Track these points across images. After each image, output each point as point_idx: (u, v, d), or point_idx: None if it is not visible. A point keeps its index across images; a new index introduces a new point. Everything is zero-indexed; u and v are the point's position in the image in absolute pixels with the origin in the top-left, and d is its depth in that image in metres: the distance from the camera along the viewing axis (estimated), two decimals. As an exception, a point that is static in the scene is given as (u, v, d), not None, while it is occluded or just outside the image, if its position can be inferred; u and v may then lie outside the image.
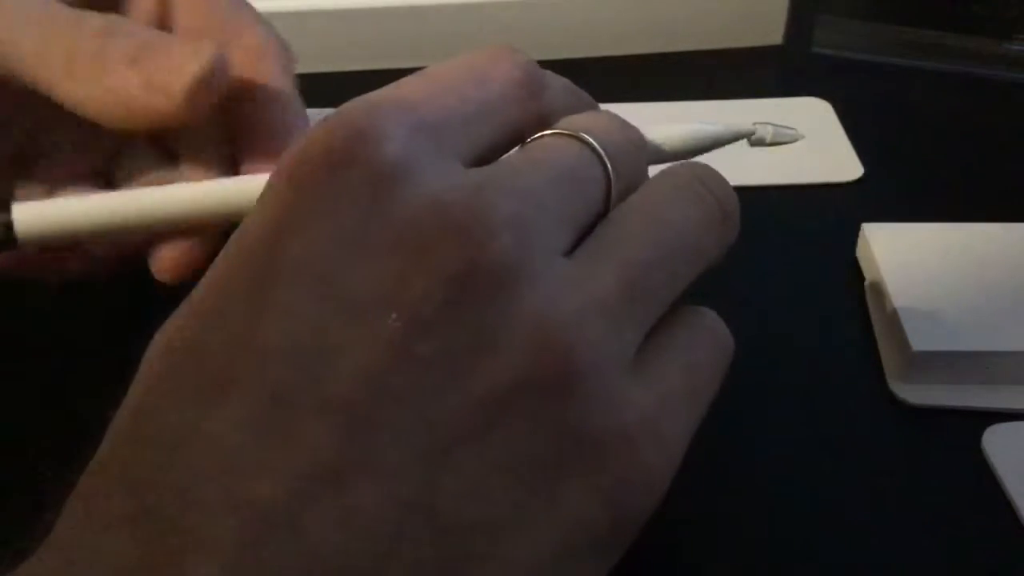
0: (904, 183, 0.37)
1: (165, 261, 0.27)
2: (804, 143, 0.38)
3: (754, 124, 0.38)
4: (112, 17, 0.27)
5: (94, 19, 0.26)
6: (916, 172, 0.38)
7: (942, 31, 0.45)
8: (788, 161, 0.38)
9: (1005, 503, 0.26)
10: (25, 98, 0.26)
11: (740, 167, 0.38)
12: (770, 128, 0.38)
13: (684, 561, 0.25)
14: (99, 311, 0.33)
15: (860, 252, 0.33)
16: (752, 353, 0.31)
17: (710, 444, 0.28)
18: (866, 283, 0.33)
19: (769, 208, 0.37)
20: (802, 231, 0.35)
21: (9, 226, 0.25)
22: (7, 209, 0.25)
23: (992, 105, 0.42)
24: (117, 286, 0.33)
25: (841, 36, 0.46)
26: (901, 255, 0.32)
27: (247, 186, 0.26)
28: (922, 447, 0.28)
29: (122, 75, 0.25)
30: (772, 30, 0.46)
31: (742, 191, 0.37)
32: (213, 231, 0.27)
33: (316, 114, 0.22)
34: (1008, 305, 0.30)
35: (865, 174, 0.38)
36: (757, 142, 0.38)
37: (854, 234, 0.33)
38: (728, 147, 0.37)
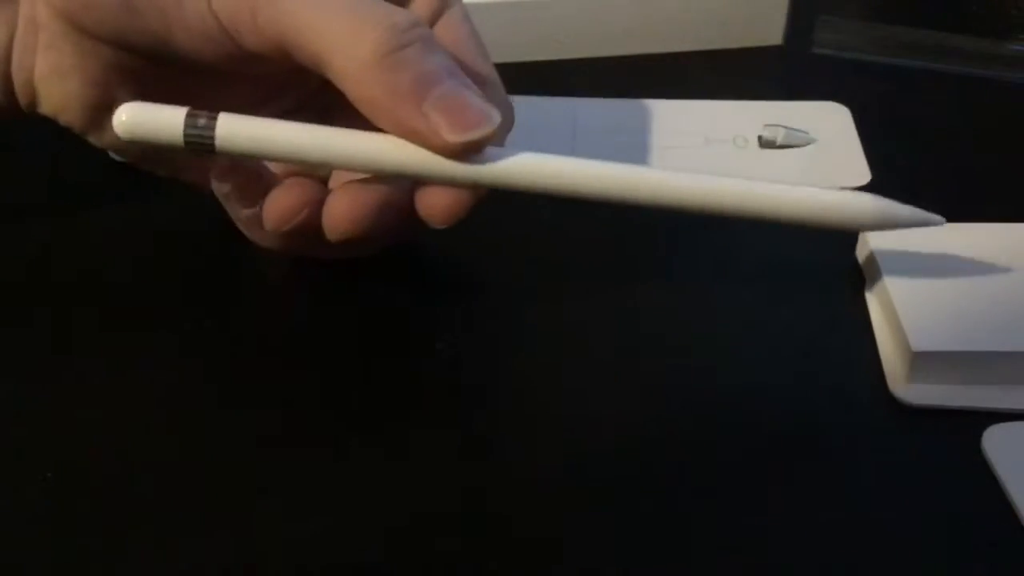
0: (904, 183, 0.37)
1: (339, 211, 0.28)
2: (815, 147, 0.39)
3: (765, 127, 0.39)
4: (416, 22, 0.27)
5: (400, 15, 0.27)
6: (916, 173, 0.38)
7: (942, 31, 0.45)
8: (797, 164, 0.38)
9: (1005, 503, 0.26)
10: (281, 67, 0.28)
11: (750, 169, 0.38)
12: (781, 131, 0.38)
13: (684, 561, 0.25)
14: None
15: (860, 252, 0.33)
16: (752, 353, 0.31)
17: (710, 444, 0.28)
18: (866, 283, 0.33)
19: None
20: (803, 231, 0.35)
21: (212, 129, 0.27)
22: (215, 117, 0.28)
23: (992, 106, 0.42)
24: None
25: (841, 37, 0.46)
26: (901, 255, 0.32)
27: (425, 155, 0.27)
28: (922, 447, 0.28)
29: (410, 103, 0.26)
30: (772, 30, 0.46)
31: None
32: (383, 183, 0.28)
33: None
34: (1008, 305, 0.30)
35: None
36: (767, 143, 0.38)
37: (854, 234, 0.33)
38: (739, 149, 0.38)
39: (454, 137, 0.27)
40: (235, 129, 0.28)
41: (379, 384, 0.30)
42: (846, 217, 0.29)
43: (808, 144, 0.39)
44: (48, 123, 0.31)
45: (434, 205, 0.28)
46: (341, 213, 0.28)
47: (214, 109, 0.28)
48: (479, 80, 0.29)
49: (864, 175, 0.38)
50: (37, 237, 0.35)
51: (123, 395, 0.29)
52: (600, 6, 0.44)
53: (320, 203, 0.29)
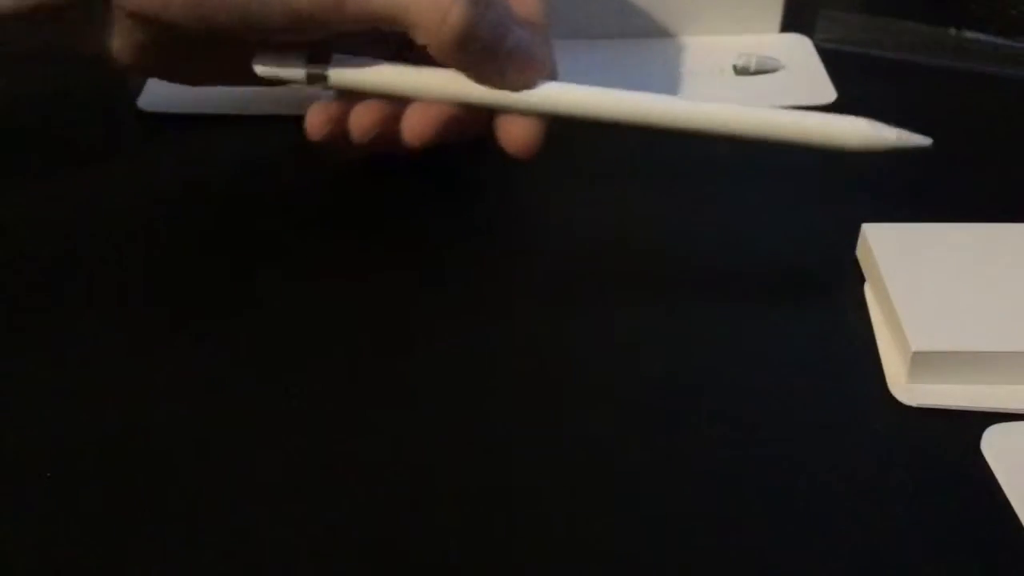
0: (904, 182, 0.37)
1: (414, 125, 0.34)
2: (784, 72, 0.43)
3: (739, 55, 0.43)
4: None
5: None
6: (917, 171, 0.38)
7: (943, 27, 0.45)
8: (769, 87, 0.43)
9: (1004, 503, 0.26)
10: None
11: (728, 94, 0.42)
12: (754, 58, 0.43)
13: (683, 561, 0.25)
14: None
15: (860, 252, 0.33)
16: (751, 353, 0.31)
17: (709, 444, 0.28)
18: (866, 283, 0.33)
19: (769, 208, 0.37)
20: (802, 231, 0.35)
21: (325, 70, 0.34)
22: (328, 59, 0.34)
23: (994, 103, 0.42)
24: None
25: (841, 30, 0.46)
26: (901, 255, 0.32)
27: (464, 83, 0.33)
28: (922, 447, 0.28)
29: (486, 65, 0.32)
30: (769, 22, 0.46)
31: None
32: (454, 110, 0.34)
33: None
34: (1008, 305, 0.30)
35: (865, 172, 0.38)
36: (742, 71, 0.43)
37: (854, 234, 0.33)
38: (712, 76, 0.43)
39: (523, 85, 0.33)
40: (342, 71, 0.34)
41: (379, 383, 0.30)
42: (833, 138, 0.31)
43: (778, 70, 0.43)
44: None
45: (513, 138, 0.34)
46: (415, 125, 0.34)
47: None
48: (533, 26, 0.34)
49: (830, 94, 0.42)
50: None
51: (123, 394, 0.29)
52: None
53: (393, 118, 0.34)
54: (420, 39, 0.31)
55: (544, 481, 0.27)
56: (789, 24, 0.46)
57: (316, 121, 0.35)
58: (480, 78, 0.33)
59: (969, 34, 0.45)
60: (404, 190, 0.37)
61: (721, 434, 0.28)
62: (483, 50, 0.32)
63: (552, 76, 0.34)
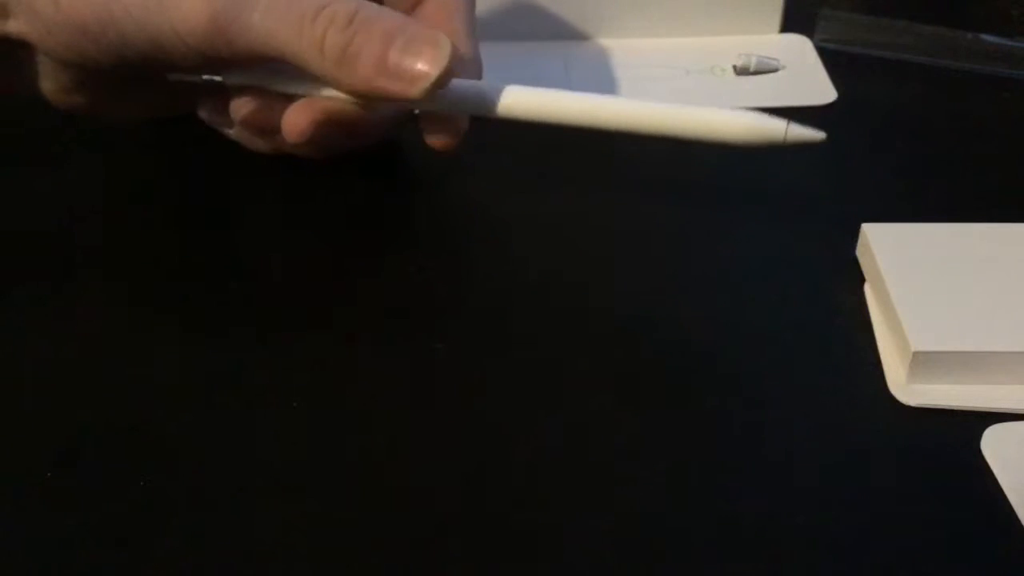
0: (904, 182, 0.37)
1: (292, 121, 0.33)
2: (784, 72, 0.43)
3: (739, 56, 0.44)
4: (358, 5, 0.31)
5: (340, 10, 0.31)
6: (917, 171, 0.38)
7: (944, 27, 0.45)
8: (769, 87, 0.43)
9: (1004, 503, 0.26)
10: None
11: (727, 94, 0.42)
12: (753, 58, 0.43)
13: (682, 560, 0.25)
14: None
15: (860, 252, 0.33)
16: (752, 353, 0.31)
17: (709, 444, 0.28)
18: (866, 283, 0.33)
19: (769, 208, 0.37)
20: (802, 231, 0.35)
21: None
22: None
23: (994, 103, 0.42)
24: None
25: (842, 30, 0.46)
26: (901, 255, 0.32)
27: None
28: (922, 447, 0.28)
29: (368, 74, 0.31)
30: (769, 21, 0.46)
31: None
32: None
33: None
34: (1008, 305, 0.30)
35: (865, 172, 0.38)
36: (742, 71, 0.43)
37: (854, 234, 0.33)
38: (717, 77, 0.43)
39: (419, 88, 0.31)
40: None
41: (379, 382, 0.30)
42: (717, 132, 0.30)
43: (777, 70, 0.44)
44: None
45: (435, 137, 0.35)
46: (294, 123, 0.33)
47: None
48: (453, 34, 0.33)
49: (830, 94, 0.42)
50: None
51: (124, 393, 0.29)
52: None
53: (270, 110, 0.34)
54: (311, 72, 0.31)
55: (539, 482, 0.27)
56: (789, 24, 0.46)
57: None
58: (380, 96, 0.32)
59: (969, 35, 0.45)
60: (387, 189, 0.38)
61: (721, 434, 0.28)
62: (372, 66, 0.31)
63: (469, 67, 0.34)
